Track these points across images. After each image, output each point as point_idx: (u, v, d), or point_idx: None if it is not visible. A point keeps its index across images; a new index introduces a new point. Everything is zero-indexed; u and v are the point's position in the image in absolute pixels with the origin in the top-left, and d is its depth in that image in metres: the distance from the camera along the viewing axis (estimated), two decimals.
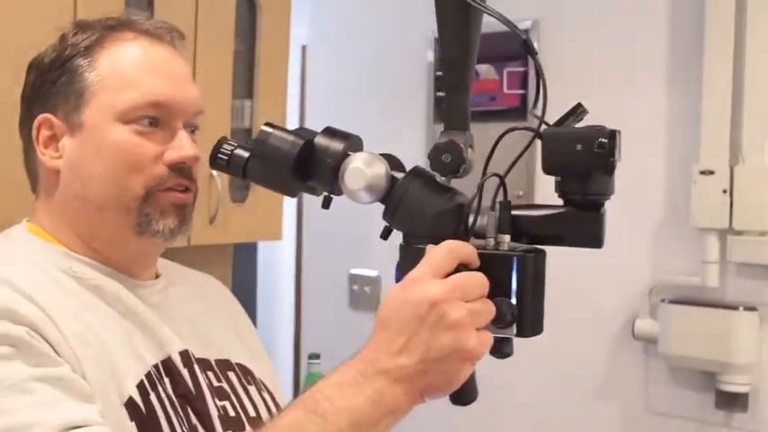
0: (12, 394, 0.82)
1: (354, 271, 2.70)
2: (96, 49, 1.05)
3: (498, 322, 0.86)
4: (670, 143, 2.11)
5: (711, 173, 1.97)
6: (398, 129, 2.52)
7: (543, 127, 0.90)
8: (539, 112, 0.91)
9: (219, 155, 1.01)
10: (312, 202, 2.68)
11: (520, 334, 0.88)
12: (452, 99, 0.94)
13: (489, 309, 0.84)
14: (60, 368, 0.87)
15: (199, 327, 1.11)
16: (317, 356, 2.19)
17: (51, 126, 1.05)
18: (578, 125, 0.91)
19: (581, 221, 0.92)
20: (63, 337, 0.90)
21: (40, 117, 1.05)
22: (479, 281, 0.83)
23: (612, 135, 0.87)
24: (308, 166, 0.97)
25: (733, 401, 1.97)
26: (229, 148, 1.01)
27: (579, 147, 0.87)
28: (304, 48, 2.79)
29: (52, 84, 1.05)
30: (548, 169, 0.90)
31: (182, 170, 1.06)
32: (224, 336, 1.15)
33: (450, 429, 2.47)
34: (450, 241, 0.86)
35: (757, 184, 1.94)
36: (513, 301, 0.87)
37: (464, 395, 0.89)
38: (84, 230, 1.05)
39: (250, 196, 1.91)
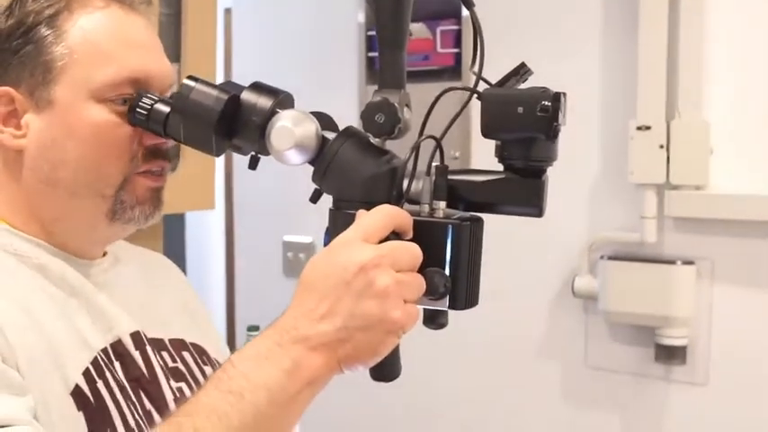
0: None
1: (288, 238, 2.65)
2: (64, 17, 0.96)
3: (431, 294, 0.82)
4: (606, 99, 2.09)
5: (648, 128, 1.96)
6: (330, 93, 2.45)
7: (482, 86, 0.86)
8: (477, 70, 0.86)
9: (138, 109, 0.95)
10: (241, 167, 2.63)
11: (453, 306, 0.84)
12: (386, 56, 0.89)
13: (419, 282, 0.79)
14: None
15: (150, 306, 1.04)
16: (255, 328, 2.13)
17: (12, 101, 0.96)
18: (521, 86, 0.86)
19: (521, 188, 0.87)
20: (2, 322, 0.82)
21: None
22: (412, 251, 0.79)
23: (557, 98, 0.82)
24: (234, 124, 0.91)
25: (672, 354, 1.99)
26: (149, 102, 0.95)
27: (520, 109, 0.82)
28: (228, 11, 2.70)
29: (12, 54, 0.96)
30: (486, 132, 0.86)
31: (159, 151, 0.99)
32: (176, 315, 1.09)
33: (387, 388, 2.45)
34: (386, 206, 0.82)
35: (694, 139, 1.93)
36: (447, 271, 0.83)
37: (386, 370, 0.85)
38: (49, 215, 0.97)
39: (180, 163, 1.82)
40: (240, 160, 2.71)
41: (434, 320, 0.88)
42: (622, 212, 2.08)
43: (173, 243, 2.64)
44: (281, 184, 2.59)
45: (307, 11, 2.58)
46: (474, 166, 2.21)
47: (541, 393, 2.25)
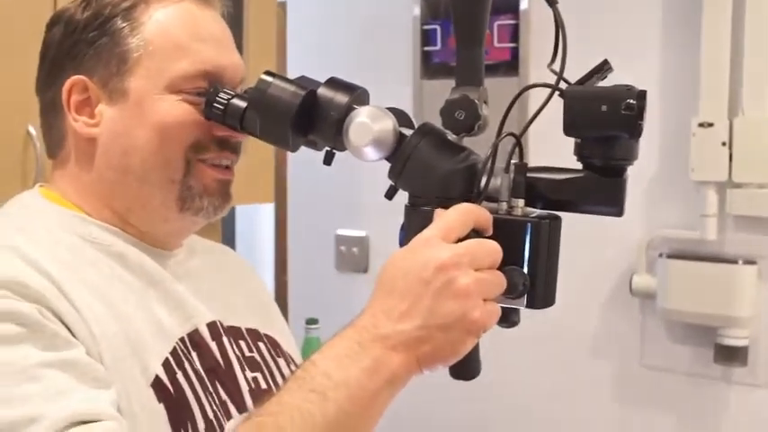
0: (17, 382, 0.75)
1: (341, 231, 2.65)
2: (140, 10, 0.97)
3: (509, 293, 0.81)
4: (669, 96, 2.06)
5: (711, 125, 1.93)
6: (384, 87, 2.43)
7: (563, 84, 0.85)
8: (558, 68, 0.85)
9: (215, 104, 0.96)
10: (295, 161, 2.62)
11: (531, 305, 0.84)
12: (464, 52, 0.88)
13: (500, 280, 0.79)
14: (73, 351, 0.80)
15: (225, 297, 1.05)
16: (314, 321, 2.14)
17: (85, 89, 0.97)
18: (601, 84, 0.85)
19: (601, 187, 0.87)
20: (79, 314, 0.83)
21: (73, 79, 0.97)
22: (492, 249, 0.79)
23: (642, 96, 0.81)
24: (310, 119, 0.91)
25: (732, 355, 1.96)
26: (225, 97, 0.96)
27: (605, 107, 0.81)
28: (282, 5, 2.70)
29: (88, 45, 0.97)
30: (569, 130, 0.85)
31: (228, 143, 1.00)
32: (249, 307, 1.09)
33: (438, 388, 2.44)
34: (465, 204, 0.81)
35: (757, 136, 1.90)
36: (525, 270, 0.82)
37: (466, 369, 0.85)
38: (122, 204, 0.98)
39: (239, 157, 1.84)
40: (295, 155, 2.72)
41: (507, 319, 0.87)
42: (682, 210, 2.06)
43: (223, 237, 2.65)
44: (335, 178, 2.60)
45: (361, 3, 2.58)
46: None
47: (596, 392, 2.23)
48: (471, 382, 0.87)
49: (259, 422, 0.73)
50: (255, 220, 2.91)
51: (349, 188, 2.56)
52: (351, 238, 2.63)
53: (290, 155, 2.57)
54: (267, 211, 2.79)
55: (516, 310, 0.88)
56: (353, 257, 2.63)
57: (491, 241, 0.80)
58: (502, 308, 0.84)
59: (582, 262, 2.17)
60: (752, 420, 2.02)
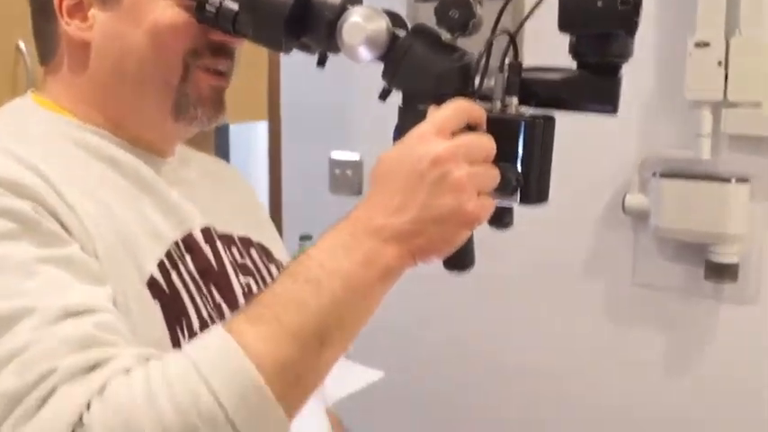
0: (14, 276, 0.75)
1: (335, 155, 2.65)
2: None
3: (502, 189, 0.82)
4: (665, 15, 2.04)
5: (707, 45, 1.91)
6: None
7: None
8: None
9: (207, 6, 0.95)
10: (288, 81, 2.61)
11: (524, 201, 0.85)
12: None
13: (494, 173, 0.80)
14: (69, 248, 0.80)
15: (218, 205, 1.05)
16: (308, 237, 2.14)
17: None
18: None
19: (596, 85, 0.87)
20: (74, 213, 0.83)
21: None
22: (487, 143, 0.79)
23: None
24: (303, 21, 0.91)
25: (722, 272, 1.98)
26: None
27: (600, 3, 0.81)
28: None
29: None
30: (563, 26, 0.84)
31: (223, 48, 0.99)
32: (241, 215, 1.10)
33: (432, 295, 2.48)
34: (459, 99, 0.81)
35: (753, 56, 1.89)
36: (519, 168, 0.83)
37: (460, 260, 0.86)
38: (115, 110, 0.98)
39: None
40: (288, 74, 2.70)
41: (501, 220, 0.88)
42: (676, 130, 2.05)
43: (217, 156, 2.64)
44: (328, 100, 2.59)
45: None
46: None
47: (587, 310, 2.26)
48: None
49: (257, 313, 0.73)
50: (249, 139, 2.90)
51: (342, 111, 2.56)
52: (345, 162, 2.63)
53: (283, 78, 2.56)
54: (261, 132, 2.78)
55: (509, 211, 0.89)
56: (348, 180, 2.63)
57: (485, 135, 0.80)
58: (495, 209, 0.84)
59: (575, 182, 2.18)
60: (740, 336, 2.05)
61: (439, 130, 0.78)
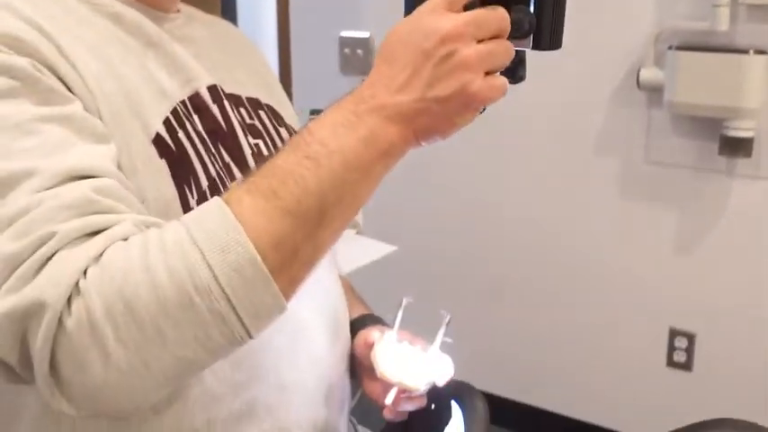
0: (13, 136, 0.73)
1: (345, 33, 2.60)
2: None
3: (515, 31, 0.80)
4: None
5: None
6: None
7: None
8: None
9: None
10: None
11: (537, 46, 0.82)
12: None
13: (505, 49, 0.76)
14: (70, 105, 0.77)
15: (225, 64, 1.02)
16: (319, 112, 2.12)
17: None
18: None
19: None
20: (75, 70, 0.80)
21: None
22: (500, 17, 0.75)
23: None
24: None
25: (737, 147, 1.96)
26: None
27: None
28: None
29: None
30: None
31: None
32: (250, 76, 1.06)
33: (446, 165, 2.48)
34: None
35: None
36: (532, 9, 0.80)
37: (516, 72, 0.84)
38: None
39: None
40: None
41: (514, 74, 0.86)
42: (693, 0, 2.00)
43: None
44: None
45: None
46: None
47: (599, 187, 2.26)
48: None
49: (254, 182, 0.72)
50: (256, 18, 2.84)
51: None
52: (354, 40, 2.58)
53: None
54: (269, 10, 2.73)
55: (523, 64, 0.86)
56: (358, 59, 2.59)
57: (498, 8, 0.77)
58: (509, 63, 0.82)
59: (588, 56, 2.14)
60: (753, 211, 2.04)
61: (449, 4, 0.74)
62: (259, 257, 0.69)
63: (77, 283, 0.67)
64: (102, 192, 0.73)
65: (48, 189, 0.71)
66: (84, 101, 0.79)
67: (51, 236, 0.69)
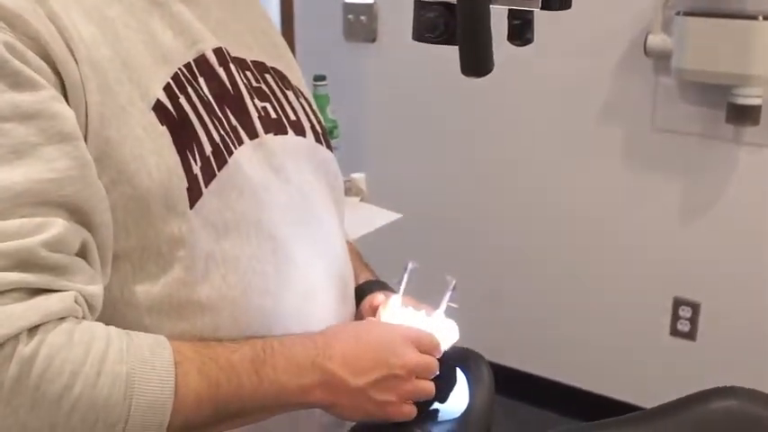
0: None
1: None
2: None
3: None
4: None
5: None
6: None
7: None
8: None
9: None
10: None
11: (546, 6, 0.81)
12: None
13: (428, 389, 0.93)
14: (38, 93, 0.73)
15: (231, 27, 0.99)
16: (323, 78, 2.10)
17: None
18: None
19: None
20: (63, 37, 0.76)
21: None
22: (433, 368, 0.93)
23: None
24: None
25: (744, 114, 1.94)
26: None
27: None
28: None
29: None
30: None
31: None
32: (256, 39, 1.05)
33: (452, 134, 2.47)
34: (432, 337, 0.94)
35: None
36: None
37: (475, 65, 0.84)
38: None
39: None
40: None
41: (522, 35, 0.85)
42: None
43: None
44: None
45: None
46: None
47: (605, 155, 2.24)
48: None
49: (208, 365, 0.80)
50: None
51: None
52: (359, 6, 2.56)
53: None
54: None
55: (530, 26, 0.85)
56: (362, 26, 2.57)
57: (433, 360, 0.93)
58: (515, 24, 0.82)
59: (595, 23, 2.12)
60: (760, 180, 2.03)
61: (419, 345, 0.92)
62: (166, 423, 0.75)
63: (2, 345, 0.67)
64: (52, 246, 0.71)
65: None
66: (66, 71, 0.76)
67: None
